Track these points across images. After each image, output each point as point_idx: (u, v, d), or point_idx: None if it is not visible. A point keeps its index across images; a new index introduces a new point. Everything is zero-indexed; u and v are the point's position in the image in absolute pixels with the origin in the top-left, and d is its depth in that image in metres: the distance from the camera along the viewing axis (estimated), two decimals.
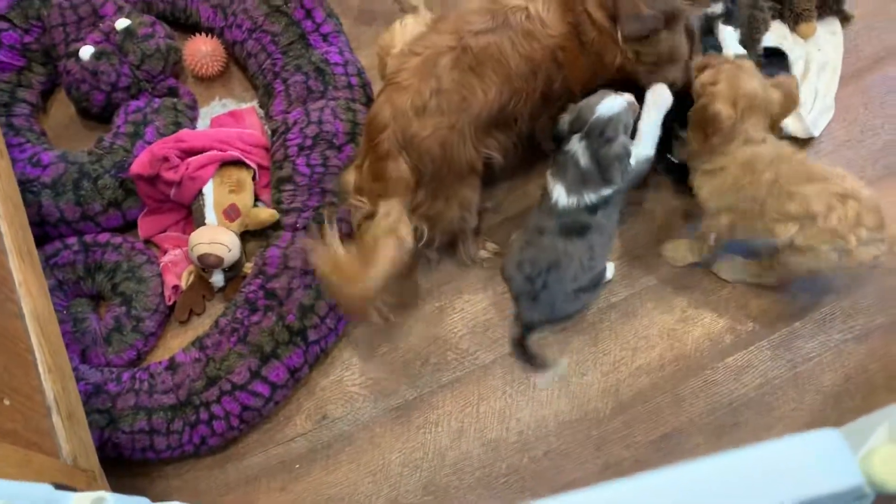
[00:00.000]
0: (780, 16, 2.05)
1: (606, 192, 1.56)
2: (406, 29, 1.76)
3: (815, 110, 1.94)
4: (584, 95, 1.59)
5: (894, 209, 1.86)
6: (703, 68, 1.60)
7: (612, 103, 1.53)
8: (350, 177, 1.63)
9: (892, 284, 1.81)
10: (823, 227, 1.48)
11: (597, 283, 1.69)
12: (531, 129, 1.66)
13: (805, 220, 1.50)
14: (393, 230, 1.50)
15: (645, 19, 1.46)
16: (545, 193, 1.61)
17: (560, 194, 1.57)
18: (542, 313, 1.67)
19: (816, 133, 1.94)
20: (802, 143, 1.94)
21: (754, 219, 1.55)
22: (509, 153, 1.65)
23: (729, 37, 1.84)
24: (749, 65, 1.58)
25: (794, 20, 2.04)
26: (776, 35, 2.03)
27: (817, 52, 2.03)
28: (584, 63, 1.54)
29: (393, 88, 1.52)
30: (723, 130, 1.52)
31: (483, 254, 1.82)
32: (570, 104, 1.60)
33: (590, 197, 1.56)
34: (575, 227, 1.57)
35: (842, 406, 1.72)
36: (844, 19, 2.08)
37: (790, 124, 1.92)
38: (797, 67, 2.00)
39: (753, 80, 1.54)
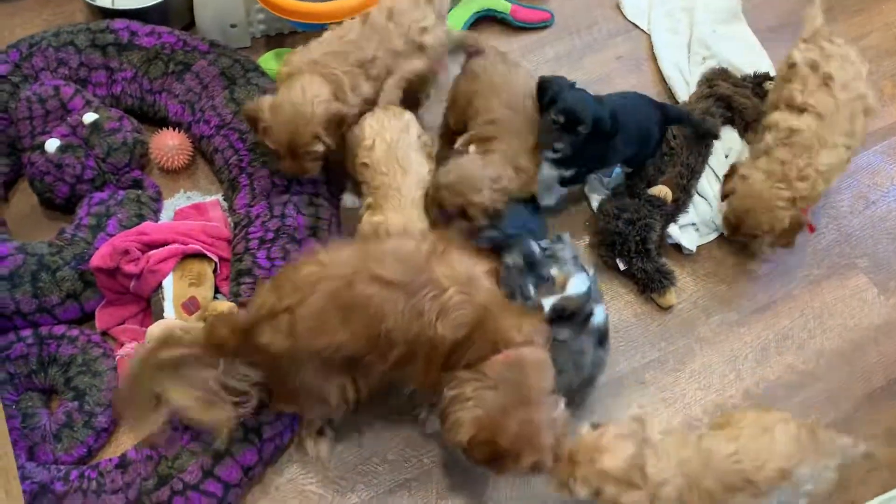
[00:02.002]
0: (731, 122, 2.16)
1: None
2: (379, 124, 1.82)
3: None
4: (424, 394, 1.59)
5: (840, 305, 1.95)
6: None
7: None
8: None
9: (840, 382, 1.86)
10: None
11: None
12: (368, 393, 1.56)
13: None
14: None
15: None
16: (580, 316, 1.60)
17: (600, 313, 1.64)
18: None
19: None
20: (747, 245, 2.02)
21: None
22: (342, 403, 1.54)
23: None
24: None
25: (744, 128, 2.15)
26: (726, 139, 2.14)
27: None
28: (436, 377, 1.46)
29: (272, 283, 1.49)
30: None
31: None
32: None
33: None
34: (603, 334, 1.67)
35: None
36: None
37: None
38: None
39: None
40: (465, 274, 1.43)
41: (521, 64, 2.02)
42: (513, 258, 1.63)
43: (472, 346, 1.41)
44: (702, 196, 2.05)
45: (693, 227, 2.02)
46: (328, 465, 1.72)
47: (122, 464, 1.64)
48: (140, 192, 2.01)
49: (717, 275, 1.99)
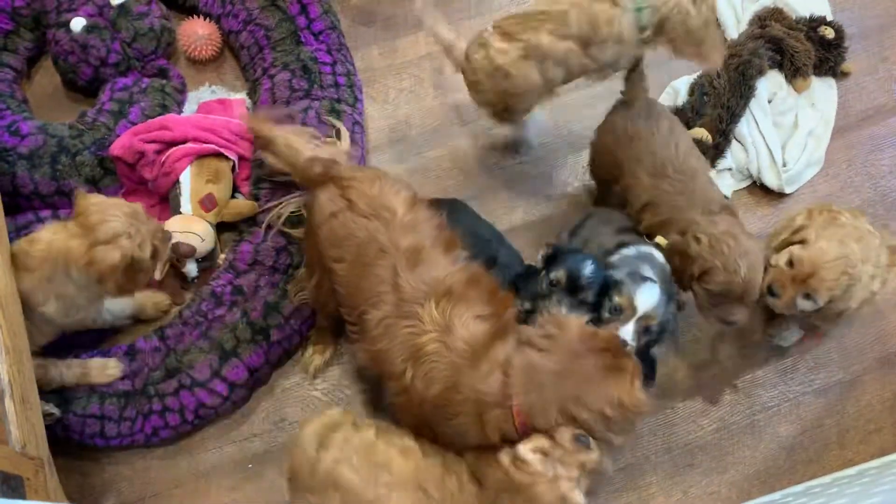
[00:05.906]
0: (779, 66, 2.07)
1: None
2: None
3: (799, 163, 1.95)
4: None
5: None
6: None
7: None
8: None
9: (855, 343, 1.84)
10: None
11: None
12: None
13: None
14: None
15: None
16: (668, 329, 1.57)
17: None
18: None
19: (789, 190, 1.96)
20: (777, 196, 1.97)
21: None
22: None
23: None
24: None
25: (792, 73, 2.05)
26: (771, 83, 2.05)
27: (810, 108, 2.04)
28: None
29: (363, 174, 1.47)
30: None
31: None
32: None
33: None
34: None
35: (795, 457, 1.74)
36: (842, 74, 2.10)
37: (766, 177, 1.94)
38: (787, 119, 2.02)
39: None
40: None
41: (665, 110, 1.75)
42: (558, 272, 1.52)
43: None
44: (738, 141, 1.99)
45: (729, 173, 1.96)
46: (313, 377, 1.74)
47: (131, 352, 1.66)
48: (165, 81, 1.96)
49: (746, 220, 1.94)
